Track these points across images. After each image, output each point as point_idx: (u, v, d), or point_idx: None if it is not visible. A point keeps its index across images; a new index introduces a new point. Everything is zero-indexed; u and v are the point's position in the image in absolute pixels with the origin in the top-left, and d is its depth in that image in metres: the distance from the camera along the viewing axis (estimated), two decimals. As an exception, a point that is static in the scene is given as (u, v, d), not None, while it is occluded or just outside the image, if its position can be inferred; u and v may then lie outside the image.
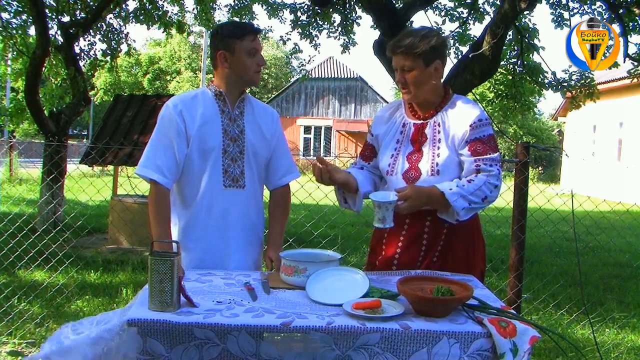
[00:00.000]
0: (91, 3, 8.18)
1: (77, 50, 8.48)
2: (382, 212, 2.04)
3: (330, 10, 8.19)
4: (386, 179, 2.33)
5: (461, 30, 8.13)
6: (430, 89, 2.25)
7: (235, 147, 2.33)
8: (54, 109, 7.84)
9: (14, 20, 8.19)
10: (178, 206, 2.36)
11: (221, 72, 2.33)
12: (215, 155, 2.29)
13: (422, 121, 2.29)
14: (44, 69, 7.79)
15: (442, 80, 2.31)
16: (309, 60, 10.09)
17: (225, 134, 2.32)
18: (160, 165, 2.24)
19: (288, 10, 8.69)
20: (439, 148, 2.22)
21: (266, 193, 2.55)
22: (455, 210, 2.10)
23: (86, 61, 8.90)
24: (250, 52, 2.27)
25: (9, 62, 10.17)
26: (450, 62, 5.99)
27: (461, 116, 2.22)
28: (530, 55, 7.61)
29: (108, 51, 9.01)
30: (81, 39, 8.31)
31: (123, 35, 9.06)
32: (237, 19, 8.86)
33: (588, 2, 7.43)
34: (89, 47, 8.93)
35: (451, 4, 8.10)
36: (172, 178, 2.28)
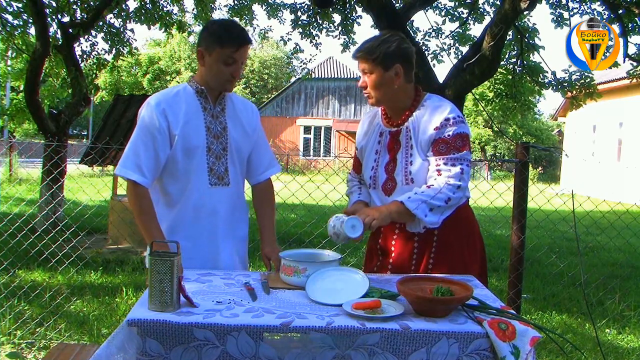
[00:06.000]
0: (92, 3, 8.17)
1: (78, 50, 8.47)
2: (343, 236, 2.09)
3: (331, 10, 8.19)
4: (370, 193, 2.34)
5: (461, 31, 8.14)
6: (394, 94, 2.21)
7: (218, 145, 2.30)
8: (54, 110, 7.83)
9: (15, 20, 8.18)
10: (162, 206, 2.32)
11: (200, 69, 2.30)
12: (199, 154, 2.26)
13: (396, 128, 2.26)
14: (43, 69, 7.78)
15: (412, 83, 2.24)
16: (310, 59, 10.10)
17: (208, 131, 2.28)
18: (140, 165, 2.19)
19: (288, 10, 8.69)
20: (411, 155, 2.20)
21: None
22: (419, 217, 2.06)
23: (87, 61, 8.87)
24: (226, 62, 2.21)
25: (9, 62, 10.15)
26: (450, 62, 5.97)
27: (428, 119, 2.18)
28: (531, 55, 7.61)
29: (112, 49, 8.98)
30: (83, 39, 8.30)
31: (127, 34, 9.04)
32: (237, 19, 8.85)
33: (588, 2, 7.43)
34: (91, 47, 8.93)
35: (451, 4, 8.11)
36: (152, 177, 2.23)
